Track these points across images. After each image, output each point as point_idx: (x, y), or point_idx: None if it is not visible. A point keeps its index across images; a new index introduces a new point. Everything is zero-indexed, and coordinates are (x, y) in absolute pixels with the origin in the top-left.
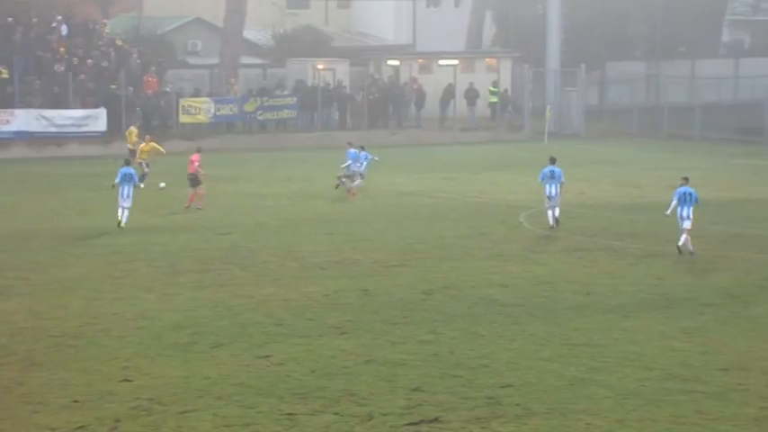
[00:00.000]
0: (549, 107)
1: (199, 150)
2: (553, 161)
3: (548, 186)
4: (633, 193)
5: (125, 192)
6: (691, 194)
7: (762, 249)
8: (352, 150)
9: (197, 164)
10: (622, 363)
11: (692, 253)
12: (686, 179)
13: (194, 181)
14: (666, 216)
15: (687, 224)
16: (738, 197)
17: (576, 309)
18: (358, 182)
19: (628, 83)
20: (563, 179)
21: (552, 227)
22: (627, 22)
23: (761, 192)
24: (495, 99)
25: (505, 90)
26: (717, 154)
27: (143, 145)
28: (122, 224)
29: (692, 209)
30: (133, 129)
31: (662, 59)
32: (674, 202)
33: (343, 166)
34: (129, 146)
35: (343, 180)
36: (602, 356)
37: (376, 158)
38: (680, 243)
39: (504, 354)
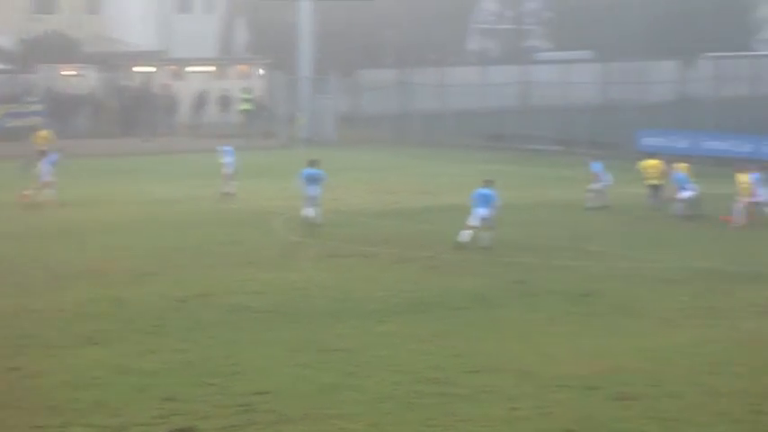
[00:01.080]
0: (300, 114)
1: None
2: (312, 164)
3: (310, 188)
4: (386, 200)
5: None
6: (488, 195)
7: (508, 253)
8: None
9: None
10: (376, 367)
11: (486, 248)
12: (488, 182)
13: None
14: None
15: (485, 222)
16: None
17: (332, 314)
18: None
19: (380, 90)
20: (325, 179)
21: (309, 219)
22: (377, 30)
23: (504, 197)
24: (247, 106)
25: (259, 97)
26: (466, 160)
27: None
28: None
29: (489, 209)
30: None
31: (412, 67)
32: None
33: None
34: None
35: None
36: (357, 361)
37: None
38: (462, 239)
39: (258, 361)
